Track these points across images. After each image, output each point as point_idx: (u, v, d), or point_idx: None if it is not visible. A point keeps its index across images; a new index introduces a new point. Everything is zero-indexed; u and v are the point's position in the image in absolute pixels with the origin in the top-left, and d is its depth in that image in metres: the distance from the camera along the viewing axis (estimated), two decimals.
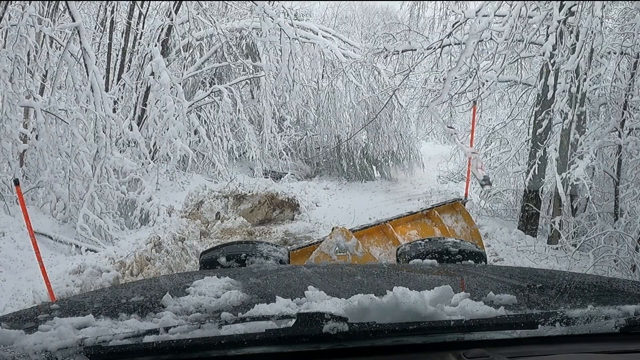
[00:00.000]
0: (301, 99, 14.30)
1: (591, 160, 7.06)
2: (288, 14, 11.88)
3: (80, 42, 7.56)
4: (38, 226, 6.85)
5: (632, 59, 7.43)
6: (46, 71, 9.10)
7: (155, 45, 9.64)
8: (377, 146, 15.38)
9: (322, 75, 14.35)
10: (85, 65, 7.62)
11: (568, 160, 7.45)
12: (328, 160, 16.31)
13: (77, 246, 7.17)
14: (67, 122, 7.76)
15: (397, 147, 15.38)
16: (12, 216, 7.06)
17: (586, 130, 7.74)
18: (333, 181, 15.74)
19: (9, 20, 7.79)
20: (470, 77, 7.92)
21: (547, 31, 7.12)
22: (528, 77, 9.60)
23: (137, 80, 10.51)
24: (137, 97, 10.38)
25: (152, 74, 9.02)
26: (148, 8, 11.19)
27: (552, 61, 6.89)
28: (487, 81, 8.02)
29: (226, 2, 14.01)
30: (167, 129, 8.69)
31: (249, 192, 10.90)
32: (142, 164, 9.30)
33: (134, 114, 10.25)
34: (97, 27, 11.90)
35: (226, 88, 11.89)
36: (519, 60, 8.78)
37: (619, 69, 7.85)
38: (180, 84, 9.65)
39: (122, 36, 11.18)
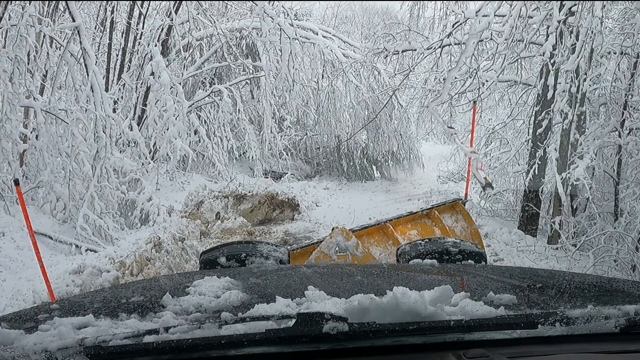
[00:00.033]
0: (301, 99, 14.30)
1: (591, 160, 7.06)
2: (288, 14, 11.88)
3: (80, 42, 7.56)
4: (38, 226, 6.85)
5: (632, 59, 7.43)
6: (46, 71, 9.10)
7: (155, 45, 9.64)
8: (377, 146, 15.38)
9: (322, 75, 14.35)
10: (85, 65, 7.62)
11: (568, 160, 7.45)
12: (328, 160, 16.31)
13: (77, 246, 7.17)
14: (67, 122, 7.76)
15: (397, 147, 15.38)
16: (12, 216, 7.06)
17: (586, 130, 7.74)
18: (333, 181, 15.74)
19: (9, 20, 7.79)
20: (470, 77, 7.92)
21: (547, 31, 7.12)
22: (528, 77, 9.60)
23: (137, 80, 10.51)
24: (137, 97, 10.38)
25: (152, 74, 9.02)
26: (148, 8, 11.19)
27: (552, 61, 6.89)
28: (487, 81, 8.02)
29: (226, 2, 14.02)
30: (167, 129, 8.69)
31: (249, 192, 10.90)
32: (142, 164, 9.30)
33: (134, 114, 10.25)
34: (97, 27, 11.90)
35: (226, 88, 11.89)
36: (519, 60, 8.78)
37: (619, 69, 7.84)
38: (180, 84, 9.65)
39: (122, 36, 11.18)
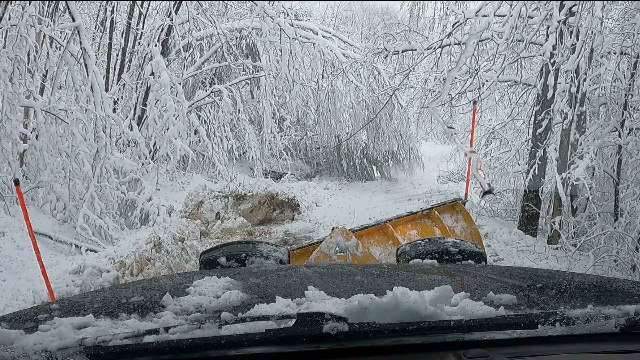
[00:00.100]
0: (301, 99, 14.30)
1: (591, 160, 7.06)
2: (288, 14, 11.88)
3: (80, 42, 7.56)
4: (38, 226, 6.85)
5: (632, 59, 7.43)
6: (46, 71, 9.10)
7: (155, 45, 9.64)
8: (377, 146, 15.38)
9: (322, 75, 14.34)
10: (85, 65, 7.62)
11: (568, 160, 7.45)
12: (328, 160, 16.31)
13: (77, 246, 7.17)
14: (67, 122, 7.76)
15: (397, 147, 15.38)
16: (12, 216, 7.06)
17: (586, 130, 7.74)
18: (333, 181, 15.74)
19: (9, 20, 7.79)
20: (471, 77, 7.92)
21: (547, 31, 7.11)
22: (528, 77, 9.60)
23: (137, 80, 10.51)
24: (137, 97, 10.38)
25: (152, 74, 9.02)
26: (148, 8, 11.19)
27: (552, 61, 6.89)
28: (487, 81, 8.03)
29: (226, 2, 14.02)
30: (167, 129, 8.69)
31: (249, 192, 10.90)
32: (142, 164, 9.30)
33: (134, 114, 10.25)
34: (97, 27, 11.90)
35: (226, 88, 11.89)
36: (519, 60, 8.78)
37: (619, 69, 7.84)
38: (180, 84, 9.65)
39: (122, 36, 11.18)
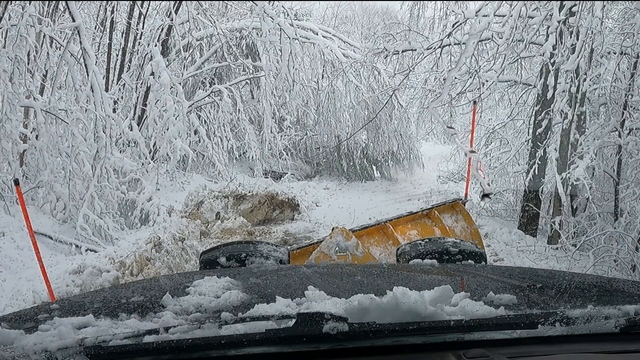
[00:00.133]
0: (301, 99, 14.30)
1: (591, 160, 7.06)
2: (288, 14, 11.88)
3: (80, 42, 7.56)
4: (38, 226, 6.85)
5: (632, 59, 7.43)
6: (46, 71, 9.10)
7: (155, 45, 9.64)
8: (377, 146, 15.38)
9: (322, 75, 14.34)
10: (85, 65, 7.62)
11: (568, 160, 7.45)
12: (328, 160, 16.31)
13: (77, 246, 7.17)
14: (67, 122, 7.76)
15: (397, 147, 15.38)
16: (12, 216, 7.06)
17: (586, 130, 7.74)
18: (333, 181, 15.74)
19: (9, 20, 7.79)
20: (471, 77, 7.92)
21: (547, 31, 7.11)
22: (528, 77, 9.60)
23: (137, 80, 10.51)
24: (137, 97, 10.38)
25: (152, 74, 9.02)
26: (148, 8, 11.19)
27: (552, 61, 6.89)
28: (487, 81, 8.02)
29: (226, 2, 14.02)
30: (167, 129, 8.69)
31: (249, 192, 10.90)
32: (142, 164, 9.30)
33: (134, 114, 10.25)
34: (97, 27, 11.90)
35: (226, 88, 11.89)
36: (519, 60, 8.78)
37: (619, 69, 7.84)
38: (180, 84, 9.65)
39: (122, 36, 11.18)
